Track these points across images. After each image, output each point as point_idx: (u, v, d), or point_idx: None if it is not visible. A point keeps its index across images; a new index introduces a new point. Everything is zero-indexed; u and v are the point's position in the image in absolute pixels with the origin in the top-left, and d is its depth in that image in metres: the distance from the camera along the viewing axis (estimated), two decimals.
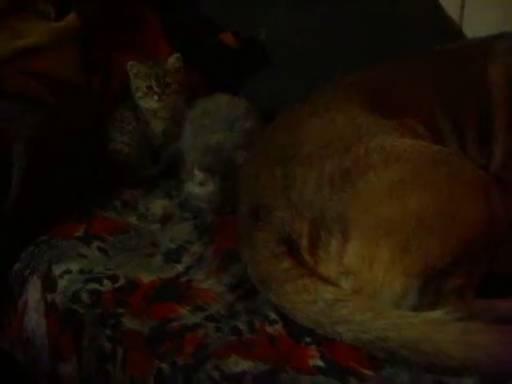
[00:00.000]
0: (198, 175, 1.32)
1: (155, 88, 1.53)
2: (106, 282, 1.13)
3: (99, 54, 1.64)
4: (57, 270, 1.19)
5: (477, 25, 1.79)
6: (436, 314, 0.93)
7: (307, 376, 0.88)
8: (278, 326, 1.00)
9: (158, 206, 1.41)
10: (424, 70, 1.35)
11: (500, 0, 1.79)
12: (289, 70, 1.76)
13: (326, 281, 1.02)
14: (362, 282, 1.01)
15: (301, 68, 1.72)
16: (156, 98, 1.54)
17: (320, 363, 0.91)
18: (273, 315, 1.02)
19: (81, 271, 1.17)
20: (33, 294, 1.15)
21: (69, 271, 1.18)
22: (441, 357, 0.88)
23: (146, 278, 1.13)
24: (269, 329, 0.99)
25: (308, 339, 0.96)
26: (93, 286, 1.13)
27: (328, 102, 1.23)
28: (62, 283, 1.16)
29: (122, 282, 1.13)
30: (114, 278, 1.14)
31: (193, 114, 1.47)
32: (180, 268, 1.17)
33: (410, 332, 0.90)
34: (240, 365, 0.91)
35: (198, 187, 1.33)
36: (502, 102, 1.28)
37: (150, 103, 1.55)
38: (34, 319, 1.13)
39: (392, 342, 0.90)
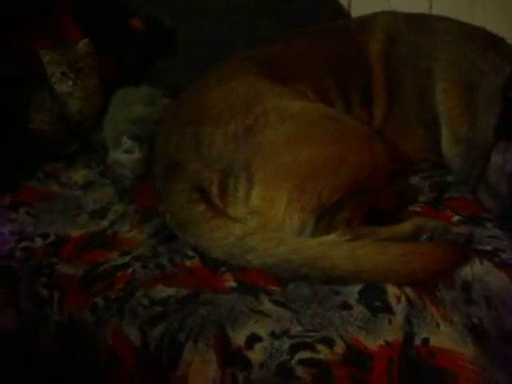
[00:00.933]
0: (127, 143, 1.44)
1: (68, 74, 1.65)
2: (37, 239, 1.25)
3: (16, 41, 1.72)
4: None
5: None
6: (329, 237, 1.12)
7: (223, 295, 1.04)
8: (196, 261, 1.15)
9: (78, 175, 1.53)
10: (314, 44, 1.54)
11: None
12: (193, 50, 1.91)
13: (236, 220, 1.18)
14: (266, 220, 1.18)
15: (204, 48, 1.88)
16: (70, 82, 1.65)
17: (234, 284, 1.07)
18: (191, 253, 1.16)
19: (11, 233, 1.27)
20: None
21: (1, 233, 1.26)
22: (334, 270, 1.06)
23: (74, 233, 1.25)
24: (188, 263, 1.14)
25: (223, 268, 1.12)
26: (25, 243, 1.23)
27: (230, 72, 1.40)
28: None
29: (52, 238, 1.25)
30: (44, 236, 1.25)
31: (117, 96, 1.60)
32: (105, 223, 1.29)
33: (308, 253, 1.08)
34: (165, 291, 1.06)
35: (125, 155, 1.46)
36: (379, 71, 1.50)
37: (64, 87, 1.66)
38: None
39: (293, 262, 1.08)
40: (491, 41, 1.48)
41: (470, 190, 1.41)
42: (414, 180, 1.44)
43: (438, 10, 1.88)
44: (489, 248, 1.20)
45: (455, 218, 1.32)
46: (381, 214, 1.28)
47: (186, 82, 1.54)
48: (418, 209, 1.37)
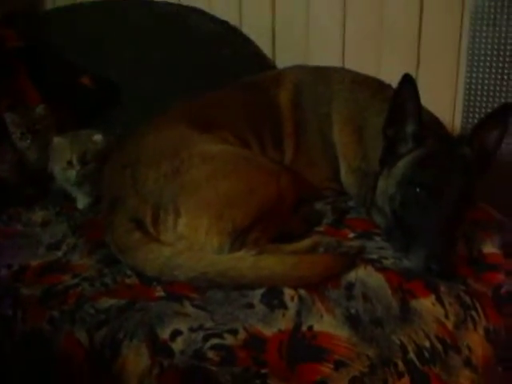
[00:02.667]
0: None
1: (26, 134, 1.92)
2: (2, 270, 1.49)
3: None
4: None
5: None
6: (239, 253, 1.39)
7: (154, 302, 1.31)
8: (134, 279, 1.40)
9: (37, 216, 1.79)
10: (235, 96, 1.84)
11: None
12: (137, 102, 2.20)
13: (167, 245, 1.46)
14: (191, 243, 1.44)
15: (147, 99, 2.17)
16: (28, 141, 1.93)
17: (163, 294, 1.33)
18: (129, 272, 1.42)
19: None
20: None
21: None
22: (241, 279, 1.33)
23: (34, 262, 1.51)
24: (127, 280, 1.40)
25: (155, 283, 1.38)
26: None
27: (162, 122, 1.69)
28: None
29: (15, 267, 1.49)
30: (9, 266, 1.50)
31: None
32: (59, 253, 1.55)
33: (220, 266, 1.35)
34: (107, 302, 1.31)
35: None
36: (288, 117, 1.81)
37: (23, 144, 1.94)
38: None
39: (210, 274, 1.34)
40: (379, 87, 1.79)
41: (366, 212, 1.70)
42: (318, 205, 1.73)
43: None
44: (375, 256, 1.48)
45: (351, 235, 1.61)
46: (291, 238, 1.55)
47: (128, 130, 1.82)
48: (322, 229, 1.65)
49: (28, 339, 1.31)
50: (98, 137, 1.82)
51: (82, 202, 1.85)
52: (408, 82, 1.43)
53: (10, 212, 1.80)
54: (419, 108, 1.46)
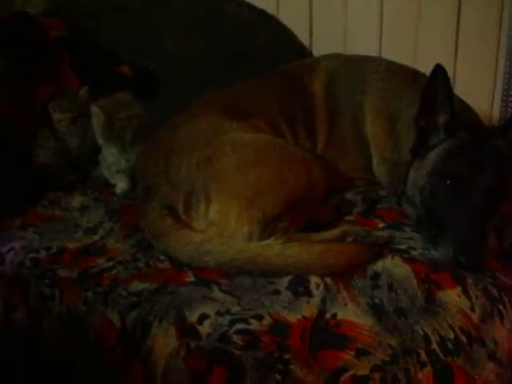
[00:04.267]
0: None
1: (77, 117, 1.98)
2: (42, 251, 1.56)
3: (22, 88, 2.07)
4: (3, 249, 1.60)
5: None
6: (267, 241, 1.42)
7: (184, 287, 1.35)
8: (166, 263, 1.45)
9: (76, 201, 1.86)
10: (268, 85, 1.87)
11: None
12: (174, 91, 2.24)
13: (198, 231, 1.50)
14: (221, 230, 1.48)
15: (183, 90, 2.21)
16: (79, 124, 1.99)
17: (193, 279, 1.38)
18: (162, 257, 1.47)
19: (22, 247, 1.59)
20: None
21: (13, 248, 1.59)
22: (268, 266, 1.37)
23: (71, 245, 1.57)
24: (159, 265, 1.45)
25: (186, 268, 1.42)
26: (32, 255, 1.55)
27: (195, 112, 1.73)
28: (8, 258, 1.58)
29: (54, 250, 1.56)
30: (47, 248, 1.57)
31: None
32: (96, 237, 1.61)
33: (249, 253, 1.38)
34: (140, 286, 1.37)
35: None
36: (321, 105, 1.82)
37: (73, 129, 2.00)
38: None
39: (238, 261, 1.38)
40: (413, 77, 1.79)
41: (396, 202, 1.71)
42: (349, 195, 1.74)
43: None
44: (403, 247, 1.49)
45: (381, 225, 1.62)
46: (321, 226, 1.57)
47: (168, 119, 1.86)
48: (352, 219, 1.66)
49: (64, 318, 1.37)
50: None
51: (120, 188, 1.90)
52: (440, 72, 1.42)
53: (50, 197, 1.87)
54: (451, 99, 1.45)
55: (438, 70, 1.42)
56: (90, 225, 1.68)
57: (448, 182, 1.45)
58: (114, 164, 1.87)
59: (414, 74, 1.80)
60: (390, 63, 1.85)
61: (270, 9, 2.44)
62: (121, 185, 1.89)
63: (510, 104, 2.14)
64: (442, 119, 1.49)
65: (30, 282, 1.48)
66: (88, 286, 1.40)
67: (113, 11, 2.49)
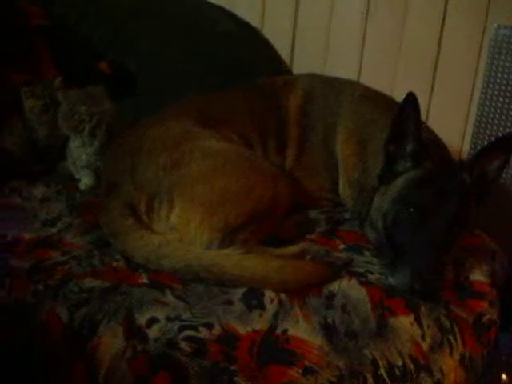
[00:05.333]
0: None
1: (49, 105, 1.96)
2: None
3: None
4: None
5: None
6: (226, 250, 1.41)
7: (136, 288, 1.33)
8: (121, 263, 1.43)
9: (38, 191, 1.82)
10: (242, 96, 1.87)
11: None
12: (152, 93, 2.23)
13: (157, 234, 1.48)
14: (181, 235, 1.47)
15: (159, 93, 2.20)
16: (51, 112, 1.96)
17: (147, 281, 1.36)
18: (118, 256, 1.45)
19: None
20: None
21: None
22: (224, 275, 1.35)
23: (27, 236, 1.54)
24: (114, 264, 1.42)
25: (141, 270, 1.40)
26: None
27: (168, 115, 1.72)
28: None
29: (8, 238, 1.52)
30: (2, 237, 1.53)
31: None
32: (54, 230, 1.58)
33: (205, 261, 1.37)
34: (92, 283, 1.34)
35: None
36: (294, 123, 1.83)
37: (43, 117, 1.97)
38: None
39: (194, 267, 1.36)
40: (387, 104, 1.81)
41: (359, 225, 1.72)
42: (313, 214, 1.74)
43: None
44: (361, 270, 1.50)
45: (341, 246, 1.63)
46: (281, 242, 1.57)
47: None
48: (313, 237, 1.67)
49: (11, 309, 1.33)
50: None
51: (84, 183, 1.87)
52: (411, 100, 1.44)
53: (12, 185, 1.83)
54: (419, 128, 1.47)
55: (410, 98, 1.44)
56: (49, 217, 1.65)
57: (411, 210, 1.46)
58: (78, 158, 1.84)
59: (389, 102, 1.83)
60: (367, 89, 1.87)
61: (255, 22, 2.45)
62: (85, 180, 1.86)
63: (480, 140, 2.18)
64: (409, 147, 1.51)
65: None
66: (39, 278, 1.36)
67: (98, 5, 2.46)
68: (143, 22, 2.44)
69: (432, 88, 2.21)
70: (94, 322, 1.23)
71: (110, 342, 1.19)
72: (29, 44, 2.20)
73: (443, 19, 2.14)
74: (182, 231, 1.45)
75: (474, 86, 2.17)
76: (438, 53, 2.19)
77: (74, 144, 1.83)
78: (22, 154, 1.94)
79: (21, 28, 2.23)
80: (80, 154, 1.83)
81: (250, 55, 2.34)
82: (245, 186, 1.52)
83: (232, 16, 2.44)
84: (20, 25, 2.24)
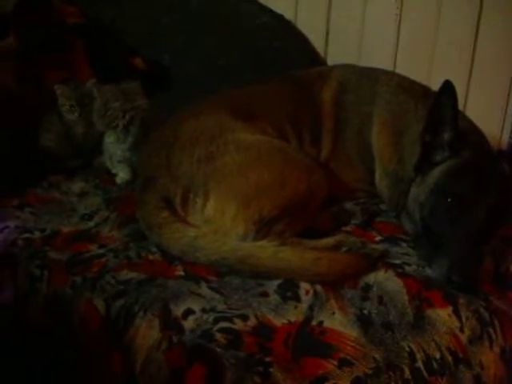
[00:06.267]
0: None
1: (76, 107, 1.98)
2: (36, 232, 1.56)
3: (33, 70, 2.07)
4: None
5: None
6: (260, 242, 1.41)
7: (172, 280, 1.34)
8: (157, 255, 1.44)
9: (76, 186, 1.86)
10: (277, 89, 1.86)
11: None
12: (186, 87, 2.24)
13: (192, 226, 1.49)
14: (216, 227, 1.47)
15: (193, 87, 2.21)
16: (76, 114, 1.99)
17: (182, 273, 1.37)
18: (154, 249, 1.46)
19: (17, 227, 1.59)
20: None
21: (7, 227, 1.59)
22: (259, 267, 1.36)
23: (65, 229, 1.57)
24: (150, 256, 1.44)
25: (177, 262, 1.42)
26: (25, 235, 1.55)
27: (203, 109, 1.72)
28: (1, 236, 1.57)
29: (48, 232, 1.56)
30: (41, 230, 1.57)
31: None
32: (91, 224, 1.61)
33: (241, 253, 1.37)
34: (128, 275, 1.36)
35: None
36: (328, 114, 1.81)
37: (71, 117, 1.99)
38: None
39: (229, 260, 1.37)
40: (424, 93, 1.78)
41: (395, 216, 1.70)
42: (349, 205, 1.73)
43: None
44: (398, 262, 1.48)
45: (377, 238, 1.61)
46: (317, 234, 1.56)
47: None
48: (349, 229, 1.65)
49: (50, 301, 1.36)
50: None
51: (120, 178, 1.90)
52: (448, 88, 1.41)
53: (51, 180, 1.87)
54: (456, 116, 1.44)
55: (447, 85, 1.42)
56: (87, 211, 1.68)
57: (449, 200, 1.44)
58: (113, 154, 1.86)
59: (425, 91, 1.79)
60: (403, 78, 1.85)
61: (288, 14, 2.44)
62: (121, 175, 1.88)
63: None
64: (447, 136, 1.48)
65: (21, 261, 1.46)
66: (77, 270, 1.39)
67: (133, 1, 2.48)
68: (178, 17, 2.45)
69: (469, 80, 2.16)
70: (131, 314, 1.25)
71: (147, 333, 1.21)
72: (65, 42, 2.24)
73: (480, 6, 2.08)
74: (217, 223, 1.45)
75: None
76: (475, 45, 2.13)
77: (109, 139, 1.85)
78: (59, 149, 1.97)
79: (57, 26, 2.27)
80: (115, 150, 1.84)
81: (285, 48, 2.33)
82: (279, 177, 1.51)
83: (266, 9, 2.42)
84: (56, 23, 2.27)
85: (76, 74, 2.16)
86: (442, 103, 1.44)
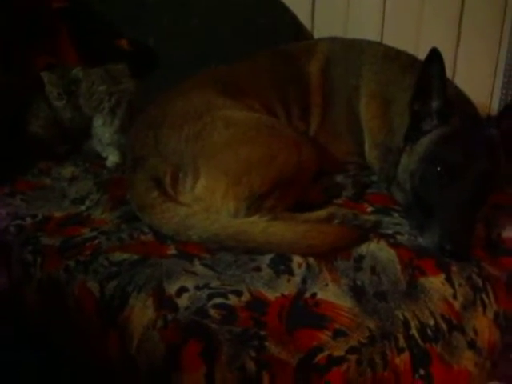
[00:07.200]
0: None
1: (63, 94, 1.96)
2: (27, 218, 1.56)
3: (18, 57, 2.05)
4: None
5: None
6: (252, 218, 1.41)
7: (165, 259, 1.35)
8: (150, 236, 1.44)
9: (67, 171, 1.85)
10: (263, 64, 1.85)
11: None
12: (173, 67, 2.22)
13: (183, 205, 1.49)
14: (207, 205, 1.47)
15: (181, 67, 2.19)
16: (64, 101, 1.97)
17: (175, 252, 1.37)
18: (147, 230, 1.46)
19: (8, 214, 1.59)
20: None
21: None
22: (251, 242, 1.36)
23: (57, 214, 1.57)
24: (143, 237, 1.44)
25: (169, 241, 1.42)
26: (18, 222, 1.55)
27: (189, 87, 1.71)
28: None
29: (39, 217, 1.56)
30: (33, 216, 1.56)
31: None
32: (83, 208, 1.61)
33: (232, 229, 1.37)
34: (121, 256, 1.36)
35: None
36: (316, 88, 1.80)
37: (59, 103, 1.98)
38: None
39: (221, 236, 1.37)
40: (410, 62, 1.77)
41: (386, 187, 1.70)
42: (339, 178, 1.73)
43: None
44: (390, 232, 1.49)
45: (369, 209, 1.61)
46: (309, 208, 1.56)
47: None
48: (341, 202, 1.65)
49: (44, 285, 1.36)
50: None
51: (110, 161, 1.89)
52: (435, 56, 1.40)
53: (41, 166, 1.86)
54: (444, 84, 1.44)
55: (434, 54, 1.41)
56: (78, 195, 1.68)
57: (439, 168, 1.44)
58: (102, 137, 1.85)
59: (412, 60, 1.78)
60: (389, 48, 1.83)
61: None
62: (111, 158, 1.88)
63: (509, 96, 2.12)
64: (435, 104, 1.47)
65: (14, 248, 1.46)
66: (70, 254, 1.39)
67: None
68: None
69: (457, 48, 2.15)
70: (125, 294, 1.25)
71: (141, 312, 1.21)
72: (49, 27, 2.21)
73: None
74: (207, 201, 1.45)
75: (500, 40, 2.09)
76: (462, 12, 2.12)
77: (97, 123, 1.85)
78: (48, 135, 1.96)
79: (41, 11, 2.24)
80: (103, 133, 1.84)
81: (270, 23, 2.31)
82: (268, 153, 1.51)
83: None
84: (40, 8, 2.25)
85: (62, 58, 2.15)
86: (429, 71, 1.43)
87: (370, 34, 2.19)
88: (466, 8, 2.11)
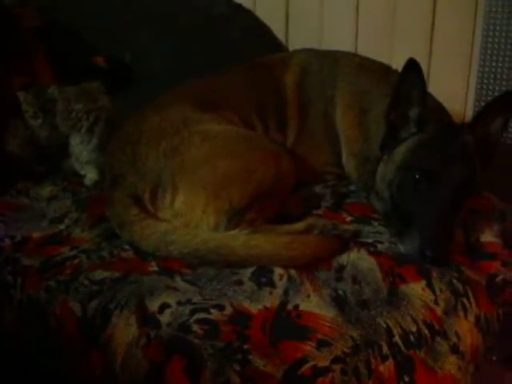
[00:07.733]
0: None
1: (38, 113, 1.96)
2: (6, 239, 1.54)
3: None
4: None
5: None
6: (232, 232, 1.41)
7: (146, 276, 1.34)
8: (130, 253, 1.44)
9: (45, 191, 1.84)
10: (239, 77, 1.86)
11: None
12: (148, 84, 2.23)
13: (163, 221, 1.48)
14: (187, 220, 1.47)
15: (157, 82, 2.19)
16: (40, 120, 1.96)
17: (156, 268, 1.37)
18: (127, 247, 1.46)
19: None
20: None
21: None
22: (232, 256, 1.36)
23: (36, 234, 1.55)
24: (123, 254, 1.43)
25: (150, 258, 1.41)
26: None
27: (165, 102, 1.71)
28: None
29: (18, 238, 1.54)
30: (12, 237, 1.55)
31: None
32: (62, 227, 1.59)
33: (213, 243, 1.37)
34: (102, 274, 1.35)
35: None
36: (292, 99, 1.82)
37: (35, 122, 1.97)
38: None
39: (202, 251, 1.37)
40: (385, 72, 1.79)
41: (366, 197, 1.71)
42: (318, 189, 1.74)
43: None
44: (370, 240, 1.50)
45: (349, 218, 1.62)
46: (289, 219, 1.57)
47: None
48: (320, 212, 1.66)
49: (25, 306, 1.35)
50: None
51: (89, 179, 1.88)
52: (413, 66, 1.42)
53: (19, 187, 1.85)
54: (424, 93, 1.46)
55: (411, 63, 1.43)
56: (57, 214, 1.67)
57: (416, 176, 1.45)
58: (80, 155, 1.85)
59: (386, 70, 1.81)
60: (363, 58, 1.86)
61: (247, 3, 2.43)
62: (90, 176, 1.87)
63: (483, 100, 2.15)
64: (413, 113, 1.50)
65: None
66: (50, 274, 1.38)
67: (86, 2, 2.46)
68: (137, 11, 2.41)
69: (430, 57, 2.18)
70: (107, 313, 1.25)
71: (124, 330, 1.21)
72: (23, 46, 2.20)
73: None
74: (187, 217, 1.45)
75: (472, 49, 2.13)
76: (434, 21, 2.15)
77: (75, 141, 1.84)
78: (25, 155, 1.95)
79: (15, 32, 2.23)
80: (81, 151, 1.83)
81: (245, 37, 2.32)
82: (247, 166, 1.52)
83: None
84: (13, 29, 2.24)
85: (38, 77, 2.14)
86: (408, 81, 1.45)
87: (344, 45, 2.22)
88: (437, 19, 2.14)
